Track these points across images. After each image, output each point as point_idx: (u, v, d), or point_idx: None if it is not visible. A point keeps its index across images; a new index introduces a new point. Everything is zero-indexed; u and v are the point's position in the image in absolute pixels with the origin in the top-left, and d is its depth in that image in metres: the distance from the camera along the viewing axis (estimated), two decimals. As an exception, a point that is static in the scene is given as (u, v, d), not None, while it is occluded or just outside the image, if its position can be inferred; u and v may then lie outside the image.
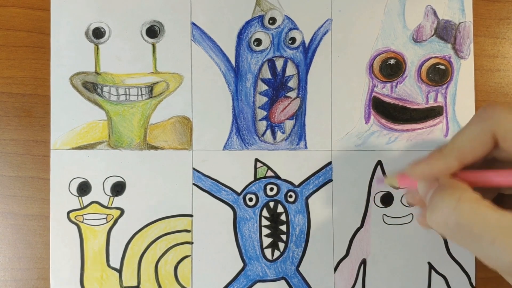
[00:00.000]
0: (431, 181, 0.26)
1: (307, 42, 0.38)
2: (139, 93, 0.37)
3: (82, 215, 0.37)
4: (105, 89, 0.37)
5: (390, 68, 0.39)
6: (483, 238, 0.22)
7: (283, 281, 0.38)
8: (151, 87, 0.37)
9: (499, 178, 0.25)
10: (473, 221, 0.23)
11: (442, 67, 0.39)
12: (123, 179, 0.37)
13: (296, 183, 0.38)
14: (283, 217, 0.38)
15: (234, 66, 0.38)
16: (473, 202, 0.23)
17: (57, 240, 0.37)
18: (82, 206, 0.37)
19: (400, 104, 0.39)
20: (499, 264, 0.23)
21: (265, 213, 0.38)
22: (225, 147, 0.38)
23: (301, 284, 0.38)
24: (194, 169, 0.38)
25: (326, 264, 0.38)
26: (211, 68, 0.38)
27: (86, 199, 0.37)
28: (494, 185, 0.25)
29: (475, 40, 0.39)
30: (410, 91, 0.39)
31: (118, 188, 0.37)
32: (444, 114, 0.39)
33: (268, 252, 0.38)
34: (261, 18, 0.38)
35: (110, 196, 0.37)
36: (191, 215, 0.38)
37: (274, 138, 0.38)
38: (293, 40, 0.38)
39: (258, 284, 0.38)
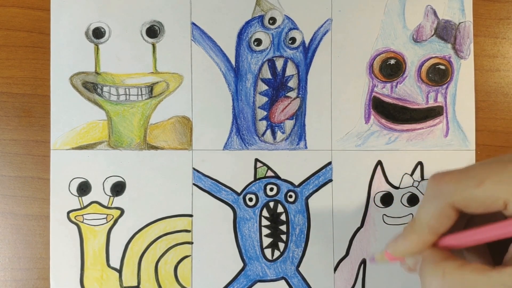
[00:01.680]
0: (415, 255, 0.26)
1: (307, 42, 0.38)
2: (139, 93, 0.37)
3: (82, 215, 0.37)
4: (105, 89, 0.37)
5: (390, 68, 0.39)
6: None
7: (283, 281, 0.38)
8: (151, 87, 0.37)
9: (479, 236, 0.24)
10: None
11: (442, 67, 0.39)
12: (123, 179, 0.37)
13: (296, 183, 0.38)
14: (283, 217, 0.38)
15: (234, 66, 0.38)
16: (458, 272, 0.23)
17: (57, 240, 0.37)
18: (82, 206, 0.37)
19: (400, 104, 0.39)
20: None
21: (265, 213, 0.38)
22: (225, 147, 0.38)
23: (301, 284, 0.38)
24: (194, 169, 0.38)
25: (326, 264, 0.38)
26: (211, 68, 0.38)
27: (86, 199, 0.37)
28: (477, 243, 0.25)
29: (475, 40, 0.39)
30: (410, 91, 0.39)
31: (118, 188, 0.37)
32: (444, 114, 0.39)
33: (268, 252, 0.38)
34: (261, 18, 0.38)
35: (110, 196, 0.37)
36: (191, 215, 0.38)
37: (274, 138, 0.38)
38: (293, 40, 0.38)
39: (258, 284, 0.38)
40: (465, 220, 0.26)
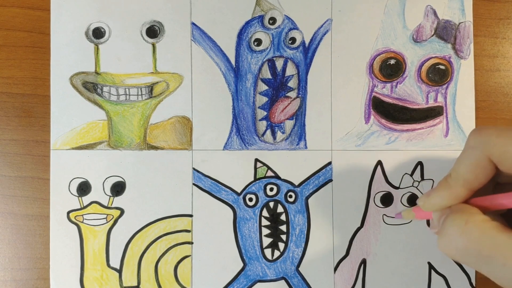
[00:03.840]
0: (444, 210, 0.27)
1: (307, 42, 0.38)
2: (139, 93, 0.37)
3: (82, 215, 0.37)
4: (105, 89, 0.37)
5: (390, 68, 0.39)
6: (493, 260, 0.22)
7: (283, 281, 0.38)
8: (151, 87, 0.37)
9: (508, 200, 0.25)
10: (481, 244, 0.23)
11: (442, 67, 0.39)
12: (123, 179, 0.37)
13: (296, 183, 0.38)
14: (283, 217, 0.38)
15: (234, 66, 0.38)
16: (480, 224, 0.23)
17: (57, 240, 0.37)
18: (82, 206, 0.37)
19: (400, 104, 0.39)
20: None
21: (265, 213, 0.38)
22: (225, 147, 0.38)
23: (301, 284, 0.38)
24: (194, 169, 0.38)
25: (326, 264, 0.38)
26: (211, 68, 0.38)
27: (86, 199, 0.37)
28: (505, 207, 0.25)
29: (475, 40, 0.39)
30: (410, 91, 0.39)
31: (118, 188, 0.37)
32: (444, 114, 0.39)
33: (268, 252, 0.38)
34: (261, 18, 0.38)
35: (110, 196, 0.37)
36: (191, 215, 0.38)
37: (274, 138, 0.38)
38: (293, 40, 0.38)
39: (258, 284, 0.38)
40: (492, 187, 0.27)
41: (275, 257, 0.38)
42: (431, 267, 0.39)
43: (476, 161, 0.25)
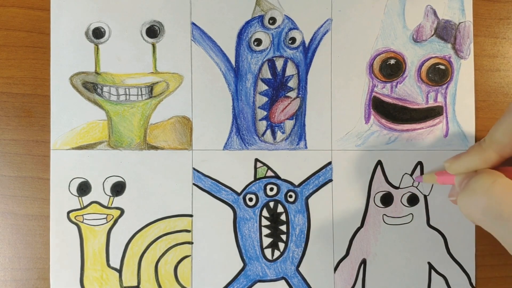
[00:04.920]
0: (469, 174, 0.27)
1: (307, 42, 0.38)
2: (139, 93, 0.37)
3: (82, 215, 0.37)
4: (105, 89, 0.37)
5: (390, 68, 0.39)
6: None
7: (283, 281, 0.38)
8: (151, 87, 0.37)
9: None
10: (503, 204, 0.22)
11: (442, 67, 0.39)
12: (123, 179, 0.37)
13: (296, 183, 0.38)
14: (283, 217, 0.38)
15: (234, 66, 0.38)
16: (506, 186, 0.23)
17: (57, 240, 0.37)
18: (82, 206, 0.37)
19: (400, 104, 0.39)
20: None
21: (265, 213, 0.38)
22: (225, 147, 0.38)
23: (301, 284, 0.38)
24: (194, 169, 0.38)
25: (326, 264, 0.38)
26: (211, 68, 0.38)
27: (86, 199, 0.37)
28: None
29: (475, 40, 0.39)
30: (410, 91, 0.39)
31: (118, 188, 0.37)
32: (444, 114, 0.39)
33: (268, 252, 0.38)
34: (261, 18, 0.38)
35: (110, 196, 0.37)
36: (191, 215, 0.38)
37: (274, 138, 0.38)
38: (293, 40, 0.38)
39: (258, 284, 0.38)
40: None
41: (275, 257, 0.38)
42: (431, 267, 0.39)
43: None
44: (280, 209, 0.38)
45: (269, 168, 0.38)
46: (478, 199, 0.23)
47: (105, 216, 0.37)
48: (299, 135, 0.38)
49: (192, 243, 0.38)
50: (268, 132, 0.38)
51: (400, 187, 0.39)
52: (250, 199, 0.38)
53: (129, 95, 0.37)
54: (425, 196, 0.38)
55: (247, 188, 0.38)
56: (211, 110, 0.38)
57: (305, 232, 0.38)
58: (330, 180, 0.38)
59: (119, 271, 0.37)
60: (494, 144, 0.25)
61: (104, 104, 0.37)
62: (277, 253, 0.38)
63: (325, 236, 0.38)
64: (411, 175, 0.38)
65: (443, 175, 0.30)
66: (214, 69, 0.38)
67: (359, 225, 0.38)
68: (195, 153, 0.38)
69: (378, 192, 0.38)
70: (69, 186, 0.37)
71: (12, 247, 0.37)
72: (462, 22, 0.39)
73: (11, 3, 0.37)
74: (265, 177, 0.38)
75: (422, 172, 0.38)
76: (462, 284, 0.39)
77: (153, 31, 0.37)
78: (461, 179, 0.27)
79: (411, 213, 0.38)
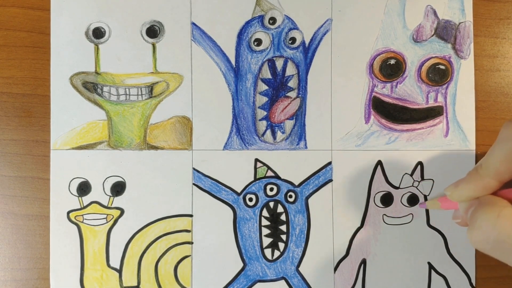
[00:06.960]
0: (472, 202, 0.27)
1: (307, 42, 0.38)
2: (139, 93, 0.37)
3: (82, 215, 0.37)
4: (105, 89, 0.37)
5: (390, 68, 0.39)
6: None
7: (283, 281, 0.38)
8: (151, 87, 0.37)
9: None
10: None
11: (442, 67, 0.39)
12: (123, 179, 0.37)
13: (296, 183, 0.38)
14: (283, 217, 0.38)
15: (234, 66, 0.38)
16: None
17: (57, 240, 0.37)
18: (82, 206, 0.37)
19: (400, 104, 0.39)
20: None
21: (265, 213, 0.38)
22: (225, 147, 0.38)
23: (301, 284, 0.38)
24: (194, 169, 0.38)
25: (326, 264, 0.38)
26: (211, 68, 0.38)
27: (86, 199, 0.37)
28: None
29: (475, 40, 0.39)
30: (410, 91, 0.39)
31: (118, 188, 0.37)
32: (444, 114, 0.39)
33: (268, 252, 0.38)
34: (261, 18, 0.38)
35: (110, 196, 0.37)
36: (191, 215, 0.38)
37: (274, 138, 0.38)
38: (293, 40, 0.38)
39: (258, 284, 0.38)
40: None
41: (275, 257, 0.38)
42: (431, 267, 0.39)
43: (508, 153, 0.25)
44: (280, 209, 0.38)
45: (269, 168, 0.38)
46: (487, 234, 0.23)
47: (105, 216, 0.37)
48: (299, 135, 0.38)
49: (192, 243, 0.38)
50: (268, 132, 0.38)
51: (400, 187, 0.39)
52: (250, 199, 0.38)
53: (129, 95, 0.37)
54: (425, 196, 0.39)
55: (247, 188, 0.38)
56: (211, 110, 0.38)
57: (305, 232, 0.38)
58: (330, 180, 0.38)
59: (119, 271, 0.37)
60: (491, 171, 0.25)
61: (104, 104, 0.37)
62: (277, 253, 0.38)
63: (325, 236, 0.38)
64: (411, 175, 0.38)
65: (446, 201, 0.30)
66: (214, 69, 0.38)
67: (359, 225, 0.38)
68: (195, 153, 0.38)
69: (378, 192, 0.38)
70: (69, 186, 0.37)
71: (12, 247, 0.37)
72: (462, 22, 0.39)
73: (11, 3, 0.37)
74: (265, 177, 0.38)
75: (422, 172, 0.38)
76: (462, 284, 0.39)
77: (153, 31, 0.37)
78: (465, 206, 0.27)
79: (411, 213, 0.38)
